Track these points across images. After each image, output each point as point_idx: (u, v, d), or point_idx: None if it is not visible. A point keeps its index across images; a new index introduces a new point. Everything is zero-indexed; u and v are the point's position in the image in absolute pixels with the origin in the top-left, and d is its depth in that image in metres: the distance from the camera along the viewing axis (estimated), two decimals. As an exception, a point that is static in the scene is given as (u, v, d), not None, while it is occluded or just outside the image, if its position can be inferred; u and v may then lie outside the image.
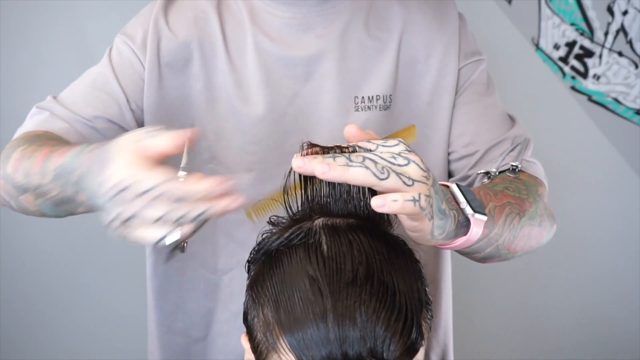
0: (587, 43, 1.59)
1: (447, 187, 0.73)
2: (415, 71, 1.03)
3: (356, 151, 0.63)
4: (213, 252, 1.04)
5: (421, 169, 0.63)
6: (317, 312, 0.63)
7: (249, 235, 0.98)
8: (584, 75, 1.62)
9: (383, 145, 0.64)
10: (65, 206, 0.79)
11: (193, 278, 1.06)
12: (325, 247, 0.67)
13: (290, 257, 0.69)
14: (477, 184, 0.98)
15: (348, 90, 1.02)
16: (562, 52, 1.64)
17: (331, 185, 0.70)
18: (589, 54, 1.60)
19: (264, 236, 0.73)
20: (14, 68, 1.61)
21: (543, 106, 1.72)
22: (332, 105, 1.01)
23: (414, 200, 0.61)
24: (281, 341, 0.65)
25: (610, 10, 1.54)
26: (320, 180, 0.69)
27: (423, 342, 0.67)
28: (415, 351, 0.65)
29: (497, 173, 0.95)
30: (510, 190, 0.88)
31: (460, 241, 0.72)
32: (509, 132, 1.02)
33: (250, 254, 0.74)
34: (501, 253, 0.84)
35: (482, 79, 1.07)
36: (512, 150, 0.99)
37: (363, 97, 1.02)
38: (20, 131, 0.95)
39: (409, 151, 0.63)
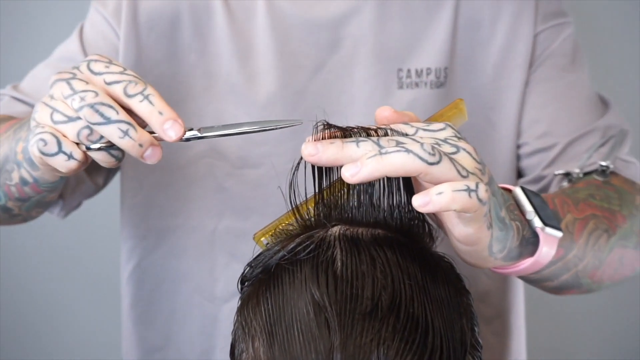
0: None
1: (510, 191, 0.62)
2: (478, 37, 0.87)
3: (387, 135, 0.53)
4: (210, 274, 0.88)
5: (474, 159, 0.52)
6: (322, 351, 0.52)
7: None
8: None
9: (425, 129, 0.54)
10: (3, 175, 0.71)
11: (185, 307, 0.90)
12: (339, 264, 0.55)
13: (294, 276, 0.56)
14: (553, 188, 0.84)
15: (389, 62, 0.86)
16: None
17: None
18: None
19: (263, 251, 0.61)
20: (15, 68, 1.55)
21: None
22: (367, 81, 0.85)
23: (469, 190, 0.49)
24: None
25: None
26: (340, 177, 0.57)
27: None
28: None
29: (581, 175, 0.81)
30: (596, 198, 0.75)
31: (526, 264, 0.60)
32: (600, 121, 0.86)
33: (245, 268, 0.61)
34: (582, 282, 0.70)
35: (566, 49, 0.89)
36: (603, 145, 0.84)
37: (409, 71, 0.86)
38: None
39: (459, 137, 0.53)
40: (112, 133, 0.55)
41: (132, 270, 0.92)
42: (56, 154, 0.56)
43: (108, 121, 0.54)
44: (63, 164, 0.56)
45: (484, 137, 0.87)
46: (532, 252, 0.59)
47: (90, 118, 0.54)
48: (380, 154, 0.49)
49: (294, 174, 0.56)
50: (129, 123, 0.55)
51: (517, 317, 0.94)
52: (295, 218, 0.59)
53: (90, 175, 0.88)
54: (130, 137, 0.55)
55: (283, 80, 0.85)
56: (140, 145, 0.55)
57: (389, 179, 0.55)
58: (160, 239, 0.90)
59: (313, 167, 0.55)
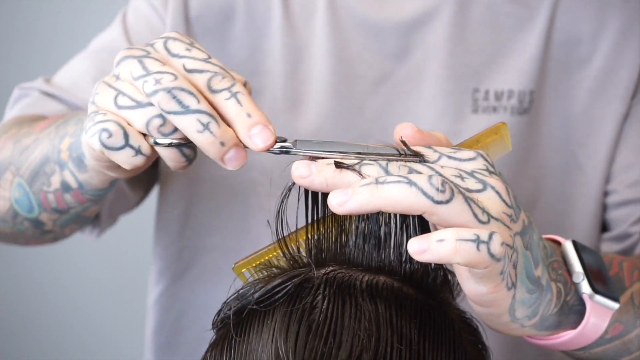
0: None
1: (559, 243, 0.53)
2: (574, 57, 0.77)
3: (418, 156, 0.46)
4: None
5: (504, 201, 0.44)
6: None
7: None
8: None
9: (450, 157, 0.46)
10: (40, 179, 0.63)
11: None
12: (317, 315, 0.46)
13: (263, 323, 0.48)
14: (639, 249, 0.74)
15: (465, 79, 0.76)
16: None
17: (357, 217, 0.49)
18: None
19: (245, 286, 0.52)
20: (15, 68, 1.58)
21: None
22: (436, 101, 0.76)
23: (478, 240, 0.41)
24: None
25: None
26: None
27: None
28: None
29: None
30: None
31: (566, 336, 0.51)
32: None
33: (221, 305, 0.53)
34: None
35: None
36: None
37: (487, 92, 0.76)
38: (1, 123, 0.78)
39: (490, 172, 0.45)
40: (190, 125, 0.45)
41: (159, 293, 0.84)
42: (122, 147, 0.47)
43: (186, 110, 0.45)
44: (129, 160, 0.47)
45: (567, 178, 0.76)
46: (576, 324, 0.51)
47: (166, 105, 0.45)
48: (377, 182, 0.42)
49: (282, 200, 0.49)
50: (211, 115, 0.45)
51: None
52: (282, 252, 0.50)
53: (132, 187, 0.79)
54: (211, 132, 0.45)
55: (338, 90, 0.76)
56: (222, 144, 0.46)
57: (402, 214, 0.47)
58: (193, 260, 0.81)
59: (306, 192, 0.48)
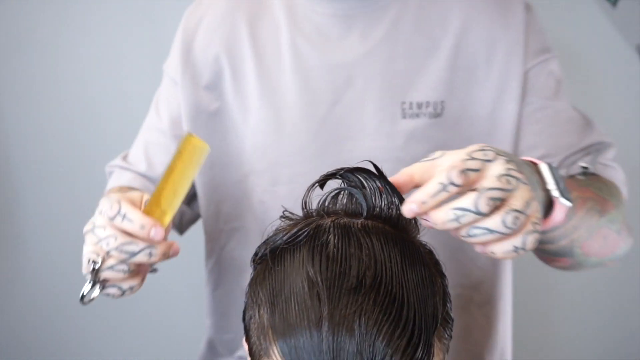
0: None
1: (535, 164, 0.68)
2: (475, 76, 0.94)
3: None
4: None
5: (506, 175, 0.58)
6: (312, 319, 0.58)
7: None
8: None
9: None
10: None
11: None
12: (331, 247, 0.62)
13: (293, 256, 0.63)
14: None
15: (395, 96, 0.93)
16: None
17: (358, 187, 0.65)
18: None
19: (274, 231, 0.68)
20: (16, 68, 1.63)
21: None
22: (376, 113, 0.94)
23: (517, 249, 0.59)
24: (273, 347, 0.61)
25: None
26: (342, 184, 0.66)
27: None
28: None
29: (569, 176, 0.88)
30: (593, 187, 0.83)
31: (549, 221, 0.67)
32: (586, 139, 0.94)
33: (257, 249, 0.68)
34: (574, 252, 0.79)
35: (553, 81, 0.96)
36: (588, 154, 0.93)
37: (411, 103, 0.93)
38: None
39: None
40: (141, 258, 0.68)
41: (213, 263, 1.07)
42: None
43: (132, 253, 0.68)
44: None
45: None
46: (545, 217, 0.67)
47: (121, 255, 0.68)
48: (460, 223, 0.57)
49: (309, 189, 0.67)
50: (149, 246, 0.68)
51: (505, 304, 1.02)
52: (303, 208, 0.68)
53: (190, 205, 1.06)
54: (152, 254, 0.68)
55: (307, 112, 0.94)
56: (164, 254, 0.69)
57: (385, 183, 0.63)
58: (228, 238, 1.04)
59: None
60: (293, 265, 0.62)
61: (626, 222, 0.87)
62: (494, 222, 0.56)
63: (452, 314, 0.66)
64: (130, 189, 0.96)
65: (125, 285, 0.71)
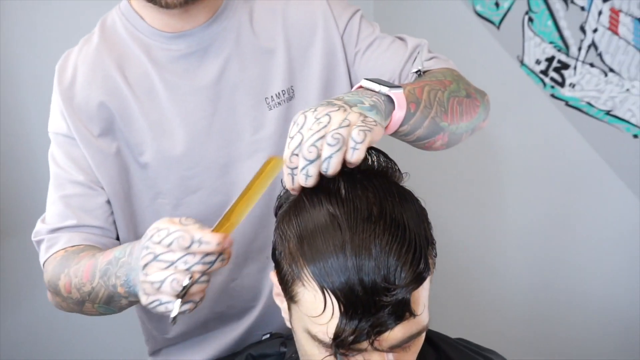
0: (563, 57, 1.74)
1: (361, 87, 0.79)
2: (307, 62, 1.07)
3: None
4: None
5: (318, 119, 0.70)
6: (337, 244, 0.66)
7: None
8: (562, 84, 1.76)
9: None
10: (114, 303, 0.88)
11: None
12: (343, 190, 0.70)
13: (313, 200, 0.72)
14: None
15: (257, 95, 1.05)
16: (542, 66, 1.79)
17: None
18: (566, 66, 1.74)
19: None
20: (16, 67, 1.65)
21: (527, 112, 1.86)
22: (248, 111, 1.05)
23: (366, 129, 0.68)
24: (305, 270, 0.69)
25: (582, 29, 1.68)
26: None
27: (430, 273, 0.70)
28: (423, 279, 0.68)
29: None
30: (426, 78, 0.91)
31: (396, 116, 0.77)
32: (408, 50, 1.06)
33: (277, 200, 0.79)
34: (442, 126, 0.87)
35: (364, 26, 1.09)
36: (414, 61, 1.04)
37: (272, 96, 1.06)
38: (46, 262, 1.03)
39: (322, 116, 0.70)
40: (218, 265, 0.73)
41: None
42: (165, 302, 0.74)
43: (212, 264, 0.73)
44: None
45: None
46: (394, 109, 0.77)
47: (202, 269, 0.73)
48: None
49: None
50: (220, 253, 0.73)
51: None
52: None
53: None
54: (226, 258, 0.74)
55: (192, 129, 1.04)
56: (230, 254, 0.74)
57: (372, 148, 0.75)
58: None
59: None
60: (314, 206, 0.71)
61: (473, 86, 0.98)
62: (325, 149, 0.68)
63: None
64: (94, 247, 1.00)
65: (198, 297, 0.74)
